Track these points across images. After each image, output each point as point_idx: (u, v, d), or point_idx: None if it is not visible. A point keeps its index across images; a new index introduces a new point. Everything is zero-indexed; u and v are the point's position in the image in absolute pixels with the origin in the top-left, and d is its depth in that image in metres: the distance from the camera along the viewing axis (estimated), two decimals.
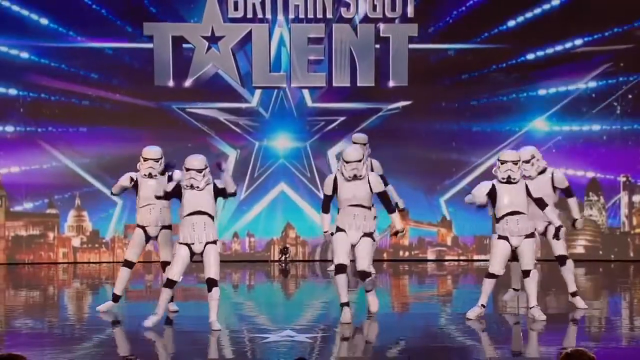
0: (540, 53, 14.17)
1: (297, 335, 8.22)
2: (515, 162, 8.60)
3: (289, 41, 14.11)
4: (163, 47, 13.96)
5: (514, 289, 9.63)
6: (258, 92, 14.29)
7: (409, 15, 14.06)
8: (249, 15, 14.07)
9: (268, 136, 14.38)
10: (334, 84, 14.17)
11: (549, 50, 14.13)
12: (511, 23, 14.13)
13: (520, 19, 14.12)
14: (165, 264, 9.23)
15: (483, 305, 8.75)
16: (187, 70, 14.04)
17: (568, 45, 14.12)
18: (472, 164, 14.26)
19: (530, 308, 8.84)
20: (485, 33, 14.12)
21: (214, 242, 8.51)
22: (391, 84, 14.13)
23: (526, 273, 8.79)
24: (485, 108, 14.24)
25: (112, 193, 10.03)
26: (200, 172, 8.48)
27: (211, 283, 8.48)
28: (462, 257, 14.63)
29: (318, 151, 14.41)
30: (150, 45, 13.94)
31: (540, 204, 8.70)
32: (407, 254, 14.51)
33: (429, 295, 11.37)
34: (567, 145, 14.25)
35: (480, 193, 8.69)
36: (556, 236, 9.07)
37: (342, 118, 14.32)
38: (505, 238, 8.63)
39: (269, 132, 14.38)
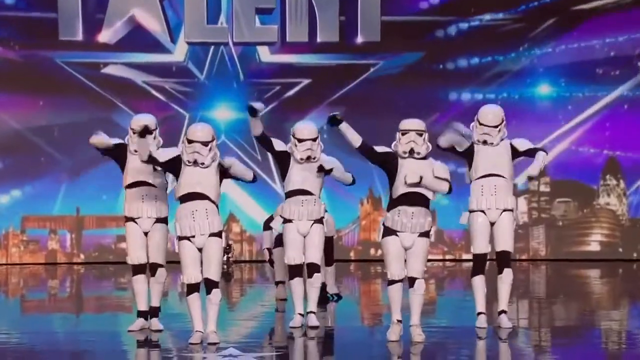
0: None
1: (242, 355, 8.21)
2: (420, 133, 8.61)
3: None
4: None
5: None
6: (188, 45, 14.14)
7: None
8: None
9: (203, 105, 14.23)
10: (288, 40, 14.09)
11: None
12: None
13: None
14: (154, 267, 9.08)
15: (399, 320, 8.73)
16: (101, 22, 13.88)
17: None
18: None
19: (411, 325, 8.74)
20: None
21: (219, 234, 8.55)
22: (359, 39, 14.07)
23: (411, 282, 8.62)
24: (477, 70, 14.24)
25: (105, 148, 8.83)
26: (207, 145, 8.46)
27: (210, 285, 8.47)
28: (447, 257, 14.65)
29: (273, 126, 14.25)
30: None
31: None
32: (379, 252, 14.51)
33: (406, 304, 11.39)
34: (578, 115, 14.30)
35: (380, 148, 8.59)
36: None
37: (307, 81, 14.25)
38: (396, 233, 8.55)
39: (204, 99, 14.23)
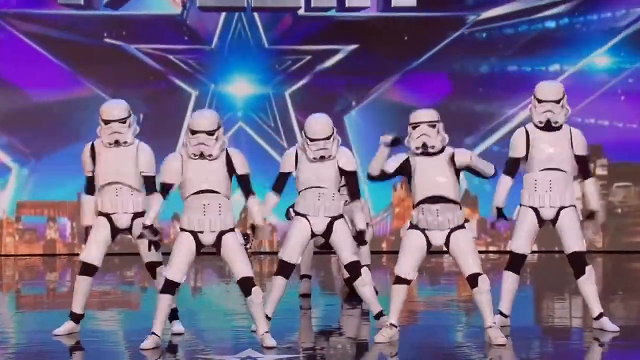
0: None
1: (261, 357, 8.23)
2: (432, 125, 8.62)
3: None
4: None
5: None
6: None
7: None
8: None
9: (218, 79, 14.19)
10: (313, 5, 14.06)
11: None
12: None
13: None
14: (152, 265, 9.09)
15: (393, 325, 8.73)
16: None
17: None
18: (503, 115, 14.29)
19: (486, 328, 8.72)
20: None
21: (231, 230, 8.58)
22: (394, 2, 14.10)
23: (472, 281, 8.70)
24: (525, 39, 14.24)
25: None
26: (212, 135, 8.46)
27: (247, 283, 8.48)
28: (491, 248, 14.62)
29: (302, 104, 14.28)
30: None
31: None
32: None
33: (445, 301, 11.37)
34: None
35: (390, 166, 8.64)
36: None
37: (351, 47, 14.15)
38: (423, 231, 8.58)
39: (218, 72, 14.21)
